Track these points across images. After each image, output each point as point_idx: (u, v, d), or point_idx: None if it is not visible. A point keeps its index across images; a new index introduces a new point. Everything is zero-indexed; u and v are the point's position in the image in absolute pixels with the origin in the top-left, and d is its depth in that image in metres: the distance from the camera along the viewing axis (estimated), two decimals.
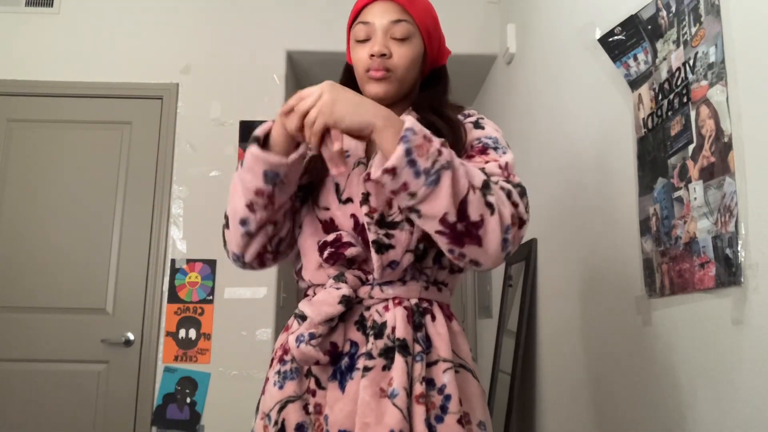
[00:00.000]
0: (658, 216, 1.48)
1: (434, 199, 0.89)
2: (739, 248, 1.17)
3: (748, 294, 1.15)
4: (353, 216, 1.07)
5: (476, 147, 1.08)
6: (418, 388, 0.97)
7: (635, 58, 1.61)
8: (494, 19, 3.23)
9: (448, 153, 0.91)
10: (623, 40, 1.65)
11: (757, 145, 1.15)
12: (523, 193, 1.00)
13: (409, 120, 0.92)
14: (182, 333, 2.88)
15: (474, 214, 0.90)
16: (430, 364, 1.01)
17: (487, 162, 1.04)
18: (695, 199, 1.32)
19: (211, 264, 2.94)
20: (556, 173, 2.27)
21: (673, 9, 1.44)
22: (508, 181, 1.00)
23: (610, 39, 1.70)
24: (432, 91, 1.21)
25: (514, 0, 2.94)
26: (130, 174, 3.04)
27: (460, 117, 1.15)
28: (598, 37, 1.77)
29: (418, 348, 1.00)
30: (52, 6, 3.16)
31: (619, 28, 1.66)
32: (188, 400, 2.82)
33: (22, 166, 3.02)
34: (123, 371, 2.86)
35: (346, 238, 1.04)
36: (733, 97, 1.21)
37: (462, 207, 0.90)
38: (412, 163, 0.88)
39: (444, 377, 1.00)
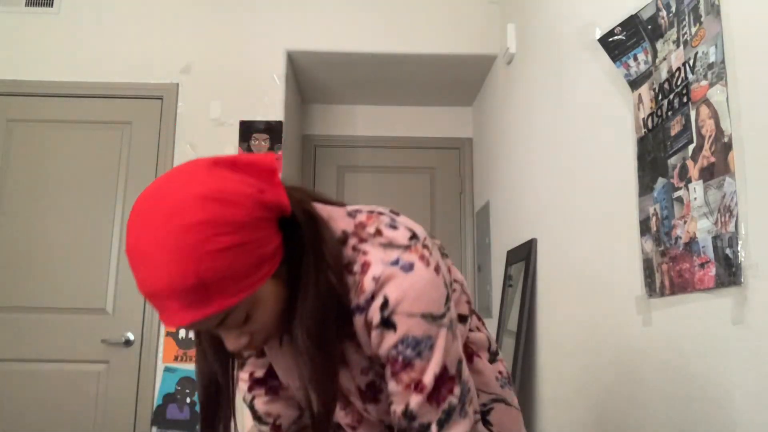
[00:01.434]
0: (658, 216, 1.48)
1: None
2: (739, 248, 1.17)
3: (748, 294, 1.15)
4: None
5: (397, 363, 0.87)
6: None
7: (635, 58, 1.61)
8: (494, 19, 3.23)
9: None
10: (623, 40, 1.65)
11: (757, 145, 1.15)
12: (460, 410, 0.89)
13: None
14: (182, 333, 2.88)
15: None
16: None
17: (417, 390, 0.87)
18: (695, 199, 1.32)
19: None
20: (555, 173, 2.27)
21: (673, 9, 1.44)
22: (440, 421, 0.87)
23: (610, 39, 1.70)
24: (303, 300, 0.86)
25: (514, 0, 2.94)
26: (130, 174, 3.04)
27: (357, 317, 0.88)
28: (598, 37, 1.77)
29: None
30: (52, 6, 3.16)
31: (619, 28, 1.66)
32: (188, 400, 2.82)
33: (22, 166, 3.02)
34: (123, 371, 2.86)
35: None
36: (733, 97, 1.21)
37: None
38: None
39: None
